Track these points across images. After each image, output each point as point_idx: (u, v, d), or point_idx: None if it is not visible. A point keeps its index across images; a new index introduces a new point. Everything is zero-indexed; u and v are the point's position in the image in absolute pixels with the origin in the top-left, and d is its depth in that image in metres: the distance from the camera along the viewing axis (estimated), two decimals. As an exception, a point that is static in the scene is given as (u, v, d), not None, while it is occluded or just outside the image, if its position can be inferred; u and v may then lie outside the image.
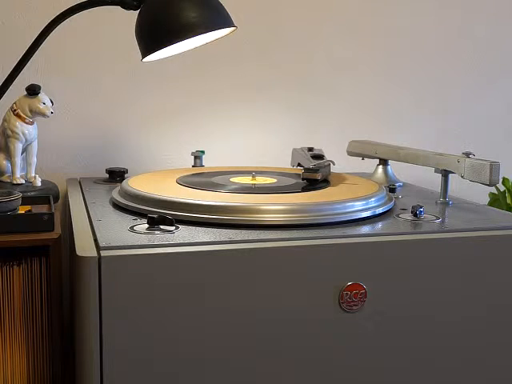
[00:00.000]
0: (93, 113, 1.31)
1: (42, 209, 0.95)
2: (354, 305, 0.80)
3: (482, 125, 1.58)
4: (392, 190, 1.08)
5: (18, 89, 1.05)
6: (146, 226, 0.81)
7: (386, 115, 1.50)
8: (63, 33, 1.14)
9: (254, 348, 0.78)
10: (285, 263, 0.77)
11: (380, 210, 0.92)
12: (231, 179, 1.05)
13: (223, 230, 0.81)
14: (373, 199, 0.93)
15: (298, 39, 1.41)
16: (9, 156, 1.08)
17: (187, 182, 1.01)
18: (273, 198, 0.90)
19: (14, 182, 1.07)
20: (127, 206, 0.91)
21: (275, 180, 1.06)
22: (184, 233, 0.80)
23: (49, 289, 0.86)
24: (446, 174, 1.04)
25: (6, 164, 1.09)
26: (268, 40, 1.39)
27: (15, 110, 1.06)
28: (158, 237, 0.77)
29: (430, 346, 0.85)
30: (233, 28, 0.93)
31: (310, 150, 1.21)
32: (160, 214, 0.81)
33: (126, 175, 1.19)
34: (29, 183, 1.09)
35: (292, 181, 1.06)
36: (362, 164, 1.35)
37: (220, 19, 0.90)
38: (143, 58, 0.92)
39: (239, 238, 0.78)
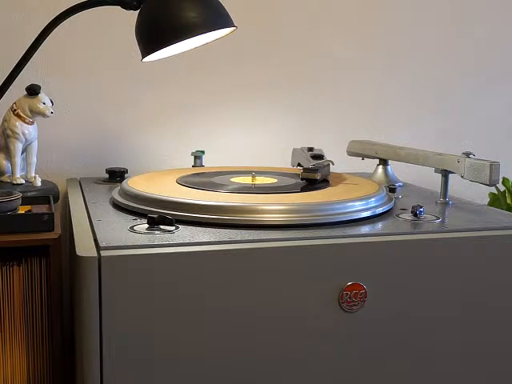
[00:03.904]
0: (93, 113, 1.31)
1: (42, 209, 0.95)
2: (354, 305, 0.80)
3: (482, 125, 1.58)
4: (392, 190, 1.08)
5: (18, 89, 1.05)
6: (146, 225, 0.81)
7: (386, 115, 1.50)
8: (63, 33, 1.14)
9: (253, 348, 0.78)
10: (285, 263, 0.77)
11: (380, 210, 0.92)
12: (231, 179, 1.05)
13: (223, 229, 0.81)
14: (373, 199, 0.93)
15: (298, 39, 1.41)
16: (9, 156, 1.08)
17: (187, 181, 1.01)
18: (273, 198, 0.90)
19: (14, 182, 1.07)
20: (127, 206, 0.91)
21: (275, 180, 1.06)
22: (184, 233, 0.80)
23: (49, 289, 0.86)
24: (445, 174, 1.04)
25: (6, 164, 1.09)
26: (268, 40, 1.39)
27: (15, 110, 1.06)
28: (157, 237, 0.77)
29: (430, 345, 0.85)
30: (233, 28, 0.93)
31: (310, 149, 1.21)
32: (160, 214, 0.81)
33: (126, 175, 1.19)
34: (29, 183, 1.09)
35: (292, 181, 1.06)
36: (362, 164, 1.35)
37: (220, 19, 0.90)
38: (143, 58, 0.92)
39: (239, 238, 0.78)
